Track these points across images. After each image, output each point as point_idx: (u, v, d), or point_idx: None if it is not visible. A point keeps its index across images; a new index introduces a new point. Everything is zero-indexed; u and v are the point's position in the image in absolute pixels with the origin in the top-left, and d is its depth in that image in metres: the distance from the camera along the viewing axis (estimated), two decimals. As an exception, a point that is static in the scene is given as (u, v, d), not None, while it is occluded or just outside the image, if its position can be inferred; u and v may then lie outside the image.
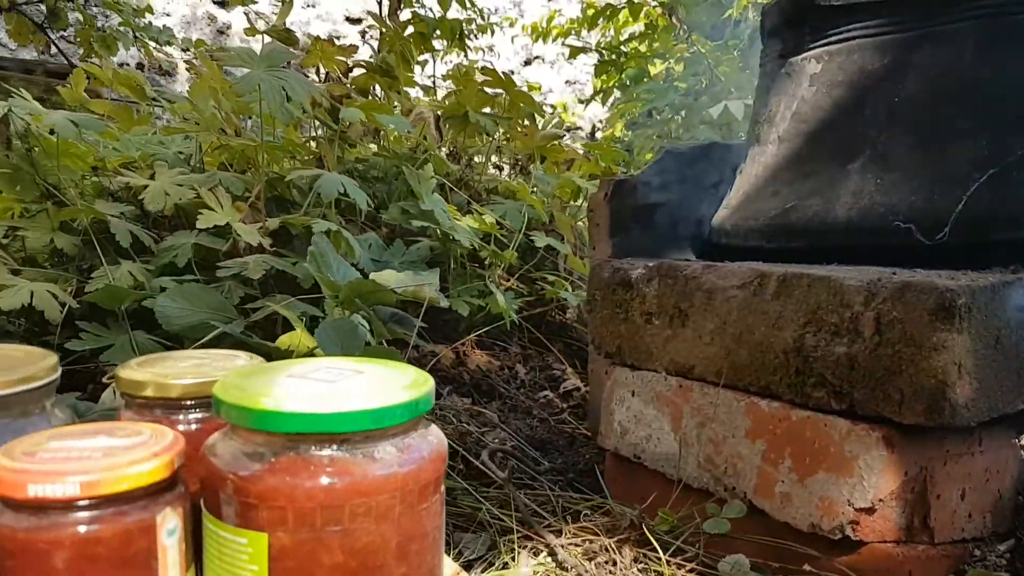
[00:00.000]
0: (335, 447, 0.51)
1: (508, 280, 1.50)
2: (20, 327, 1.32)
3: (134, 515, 0.50)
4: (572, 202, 1.63)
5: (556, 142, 1.62)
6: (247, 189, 1.44)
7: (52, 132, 1.44)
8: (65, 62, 2.93)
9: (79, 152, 1.55)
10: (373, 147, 1.71)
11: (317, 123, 1.60)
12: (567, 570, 0.76)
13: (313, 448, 0.51)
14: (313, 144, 1.65)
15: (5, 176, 1.46)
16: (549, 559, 0.77)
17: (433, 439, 0.56)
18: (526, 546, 0.80)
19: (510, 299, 1.42)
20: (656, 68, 2.96)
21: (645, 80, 3.00)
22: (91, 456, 0.50)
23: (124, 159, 1.60)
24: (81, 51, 2.88)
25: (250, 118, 1.60)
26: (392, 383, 0.56)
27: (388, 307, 1.17)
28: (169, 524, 0.51)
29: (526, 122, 1.60)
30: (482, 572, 0.77)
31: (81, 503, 0.48)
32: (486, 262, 1.48)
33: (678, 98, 2.70)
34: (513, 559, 0.78)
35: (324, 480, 0.50)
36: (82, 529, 0.48)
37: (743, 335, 0.82)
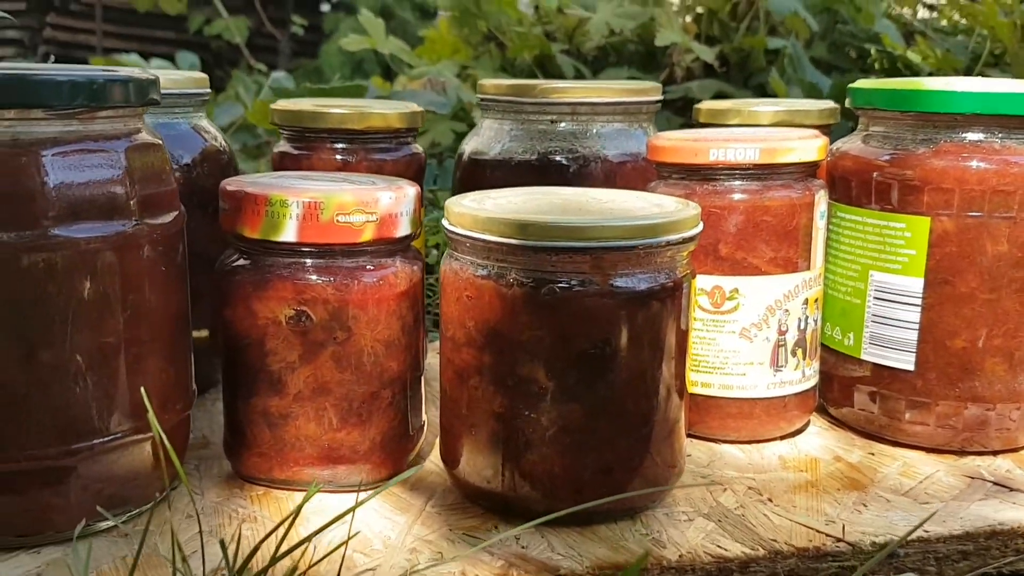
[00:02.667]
0: (1004, 133, 0.50)
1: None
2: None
3: (797, 189, 0.52)
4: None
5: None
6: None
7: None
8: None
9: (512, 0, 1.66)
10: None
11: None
12: None
13: (981, 132, 0.50)
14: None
15: (455, 19, 1.61)
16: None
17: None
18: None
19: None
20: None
21: None
22: (756, 134, 0.53)
23: (547, 8, 1.69)
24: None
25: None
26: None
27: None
28: (821, 206, 0.53)
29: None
30: None
31: (756, 172, 0.51)
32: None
33: None
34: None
35: (995, 164, 0.49)
36: (753, 197, 0.52)
37: None
